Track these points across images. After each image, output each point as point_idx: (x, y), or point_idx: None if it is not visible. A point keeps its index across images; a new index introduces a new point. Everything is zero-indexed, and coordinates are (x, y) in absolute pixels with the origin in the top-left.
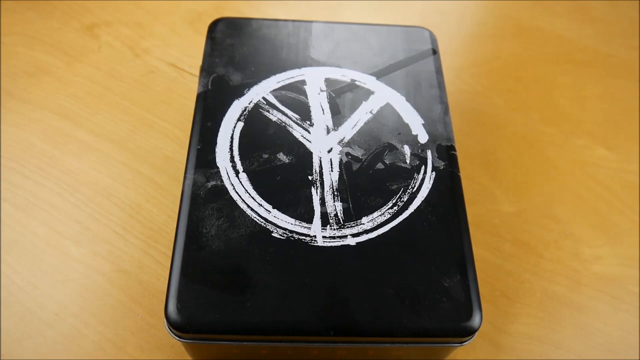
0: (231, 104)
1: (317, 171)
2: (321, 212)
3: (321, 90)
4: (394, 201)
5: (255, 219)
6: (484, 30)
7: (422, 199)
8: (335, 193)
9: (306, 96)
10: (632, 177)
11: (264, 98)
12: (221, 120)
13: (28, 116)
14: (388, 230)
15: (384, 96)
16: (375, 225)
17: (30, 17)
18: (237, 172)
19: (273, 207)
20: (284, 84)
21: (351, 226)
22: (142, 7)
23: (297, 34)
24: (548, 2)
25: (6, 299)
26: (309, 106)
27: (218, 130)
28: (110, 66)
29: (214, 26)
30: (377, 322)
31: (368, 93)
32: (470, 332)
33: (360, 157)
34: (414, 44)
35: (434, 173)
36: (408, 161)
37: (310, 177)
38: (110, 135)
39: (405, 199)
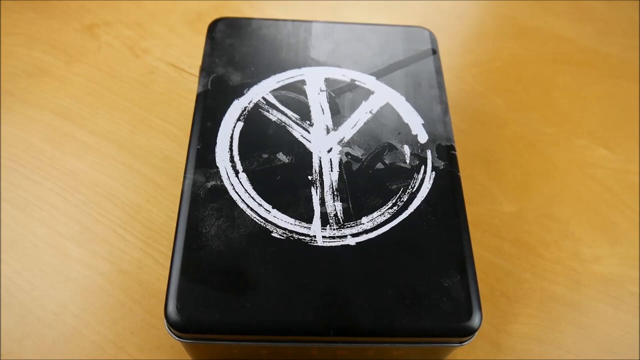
0: (231, 103)
1: (317, 171)
2: (321, 212)
3: (321, 90)
4: (393, 201)
5: (255, 219)
6: (484, 30)
7: (422, 199)
8: (335, 193)
9: (306, 96)
10: (632, 177)
11: (263, 98)
12: (221, 120)
13: (28, 116)
14: (388, 230)
15: (383, 96)
16: (375, 225)
17: (30, 17)
18: (236, 172)
19: (273, 207)
20: (283, 83)
21: (351, 226)
22: (142, 7)
23: (297, 34)
24: (548, 2)
25: (6, 299)
26: (309, 106)
27: (218, 130)
28: (110, 66)
29: (213, 26)
30: (377, 322)
31: (368, 93)
32: (470, 332)
33: (360, 157)
34: (414, 44)
35: (433, 173)
36: (408, 161)
37: (310, 177)
38: (110, 135)
39: (405, 199)
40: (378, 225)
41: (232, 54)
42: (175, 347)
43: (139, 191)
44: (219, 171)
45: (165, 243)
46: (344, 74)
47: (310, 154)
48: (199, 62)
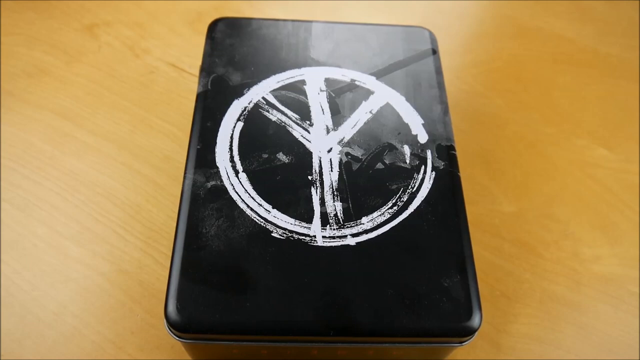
0: (231, 103)
1: (317, 171)
2: (321, 212)
3: (321, 90)
4: (393, 201)
5: (254, 219)
6: (484, 30)
7: (422, 199)
8: (335, 193)
9: (306, 96)
10: (632, 177)
11: (263, 98)
12: (221, 120)
13: (28, 116)
14: (388, 230)
15: (383, 96)
16: (375, 225)
17: (30, 17)
18: (236, 172)
19: (273, 207)
20: (283, 83)
21: (351, 226)
22: (142, 7)
23: (297, 34)
24: (548, 2)
25: (6, 299)
26: (309, 106)
27: (218, 130)
28: (110, 66)
29: (214, 26)
30: (377, 322)
31: (368, 93)
32: (470, 332)
33: (360, 157)
34: (414, 44)
35: (433, 173)
36: (408, 161)
37: (310, 177)
38: (110, 135)
39: (405, 199)
40: (378, 225)
41: (232, 54)
42: (175, 347)
43: (139, 191)
44: (219, 171)
45: (165, 243)
46: (344, 74)
47: (310, 154)
48: (199, 62)
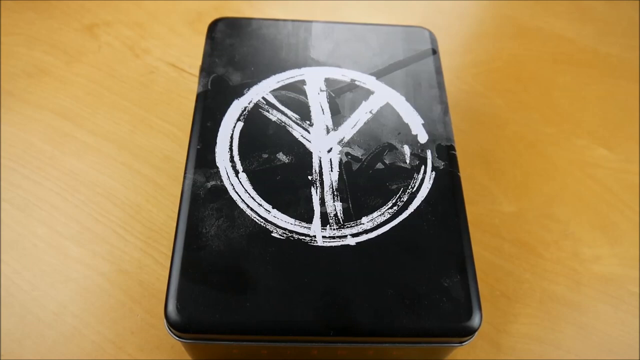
0: (231, 103)
1: (317, 171)
2: (321, 212)
3: (321, 90)
4: (393, 201)
5: (255, 219)
6: (484, 30)
7: (422, 199)
8: (335, 193)
9: (306, 96)
10: (632, 177)
11: (263, 98)
12: (221, 120)
13: (28, 116)
14: (388, 230)
15: (383, 96)
16: (375, 225)
17: (30, 17)
18: (236, 172)
19: (273, 207)
20: (283, 83)
21: (351, 226)
22: (142, 7)
23: (297, 34)
24: (548, 2)
25: (6, 299)
26: (309, 106)
27: (218, 130)
28: (110, 66)
29: (213, 26)
30: (377, 322)
31: (368, 93)
32: (470, 332)
33: (360, 157)
34: (414, 44)
35: (433, 173)
36: (408, 161)
37: (310, 177)
38: (110, 135)
39: (405, 199)
40: (378, 225)
41: (232, 54)
42: (175, 347)
43: (139, 191)
44: (219, 171)
45: (165, 243)
46: (344, 74)
47: (310, 154)
48: (199, 62)
